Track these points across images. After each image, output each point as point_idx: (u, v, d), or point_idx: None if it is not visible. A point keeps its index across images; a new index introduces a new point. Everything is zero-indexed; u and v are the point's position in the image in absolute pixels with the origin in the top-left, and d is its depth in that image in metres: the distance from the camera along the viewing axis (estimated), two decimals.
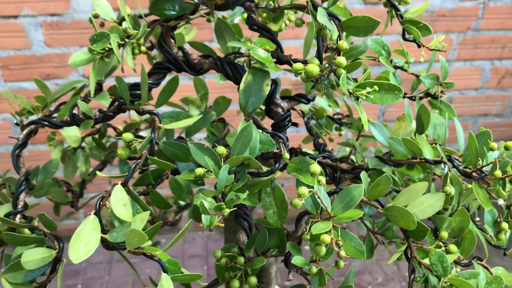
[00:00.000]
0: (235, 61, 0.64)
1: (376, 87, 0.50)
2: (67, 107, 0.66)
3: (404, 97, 0.74)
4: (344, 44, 0.51)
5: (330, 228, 0.49)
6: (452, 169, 0.62)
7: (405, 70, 0.75)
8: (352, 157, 0.78)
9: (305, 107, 0.83)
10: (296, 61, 0.59)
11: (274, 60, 0.61)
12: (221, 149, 0.54)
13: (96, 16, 0.71)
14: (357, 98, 0.50)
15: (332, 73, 0.51)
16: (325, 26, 0.51)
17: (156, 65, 0.63)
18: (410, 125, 0.74)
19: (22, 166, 0.64)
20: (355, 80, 0.55)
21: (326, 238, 0.48)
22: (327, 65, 0.52)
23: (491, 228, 0.74)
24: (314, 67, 0.50)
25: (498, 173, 0.57)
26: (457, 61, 1.77)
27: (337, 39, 0.53)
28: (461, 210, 0.64)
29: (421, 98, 0.75)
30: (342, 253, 0.48)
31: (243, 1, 0.60)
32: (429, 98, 0.74)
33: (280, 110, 0.64)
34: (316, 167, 0.50)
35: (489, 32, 1.73)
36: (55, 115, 0.73)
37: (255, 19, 0.61)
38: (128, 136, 0.56)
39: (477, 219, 0.77)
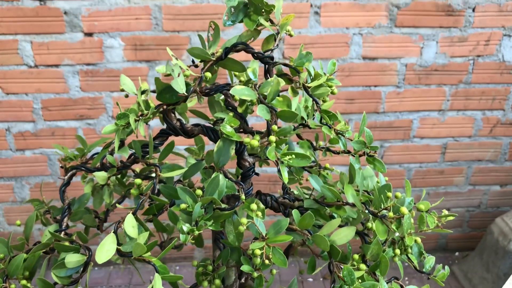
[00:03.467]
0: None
1: (293, 156, 0.83)
2: (99, 157, 1.01)
3: (349, 154, 1.07)
4: (275, 127, 0.85)
5: (263, 246, 0.82)
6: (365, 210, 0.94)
7: (343, 135, 1.06)
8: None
9: None
10: (258, 132, 0.93)
11: (241, 129, 0.95)
12: (198, 191, 0.88)
13: (122, 90, 1.07)
14: (282, 162, 0.83)
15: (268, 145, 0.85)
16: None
17: (161, 131, 0.98)
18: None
19: (66, 198, 0.98)
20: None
21: (257, 251, 0.81)
22: (266, 138, 0.86)
23: (416, 257, 1.05)
24: (255, 142, 0.85)
25: (391, 214, 0.90)
26: (450, 111, 2.07)
27: (272, 122, 0.87)
28: (375, 241, 0.96)
29: (360, 155, 1.07)
30: (267, 261, 0.81)
31: (221, 90, 0.94)
32: (366, 156, 1.07)
33: (247, 163, 0.98)
34: (254, 206, 0.83)
35: (479, 85, 2.04)
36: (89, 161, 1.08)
37: (230, 101, 0.96)
38: (138, 180, 0.91)
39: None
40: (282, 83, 0.86)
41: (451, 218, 1.08)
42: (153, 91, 1.03)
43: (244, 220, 0.81)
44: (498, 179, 2.24)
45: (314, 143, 1.10)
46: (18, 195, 2.10)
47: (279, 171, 0.85)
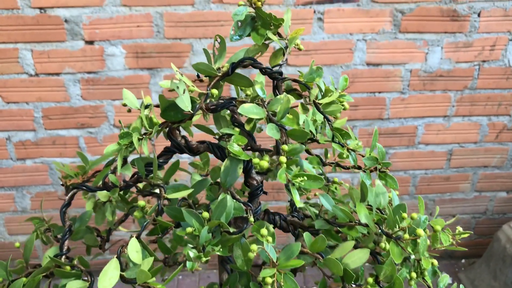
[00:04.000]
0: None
1: (305, 177, 0.78)
2: (101, 176, 0.96)
3: (359, 169, 1.02)
4: (286, 147, 0.79)
5: (274, 273, 0.77)
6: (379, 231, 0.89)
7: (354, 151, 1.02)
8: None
9: None
10: (266, 150, 0.88)
11: (249, 147, 0.90)
12: (205, 214, 0.83)
13: (124, 105, 1.01)
14: (293, 184, 0.78)
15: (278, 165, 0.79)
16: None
17: (165, 149, 0.93)
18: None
19: (67, 220, 0.93)
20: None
21: (269, 280, 0.76)
22: (275, 156, 0.81)
23: (430, 276, 1.00)
24: (264, 163, 0.79)
25: (406, 236, 0.84)
26: (455, 117, 2.02)
27: (283, 142, 0.82)
28: (389, 261, 0.90)
29: (371, 171, 1.02)
30: None
31: (227, 106, 0.89)
32: (378, 172, 1.02)
33: (254, 182, 0.92)
34: (264, 231, 0.78)
35: (485, 90, 1.99)
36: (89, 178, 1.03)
37: (237, 118, 0.90)
38: (141, 202, 0.85)
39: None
40: (293, 100, 0.81)
41: (466, 235, 1.03)
42: (157, 106, 0.98)
43: (254, 247, 0.76)
44: (505, 185, 2.19)
45: (323, 158, 1.05)
46: (19, 205, 2.05)
47: (289, 190, 0.80)
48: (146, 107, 0.98)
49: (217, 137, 1.07)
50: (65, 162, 1.98)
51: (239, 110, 0.81)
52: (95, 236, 1.05)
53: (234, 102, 0.91)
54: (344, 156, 0.90)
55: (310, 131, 0.92)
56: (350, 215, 0.88)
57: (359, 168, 1.00)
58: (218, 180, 1.08)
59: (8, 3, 1.72)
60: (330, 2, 1.82)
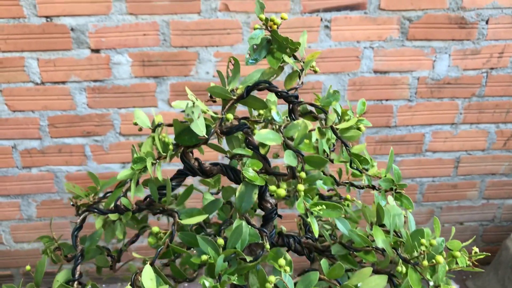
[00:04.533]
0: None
1: (324, 206, 0.76)
2: (112, 198, 0.94)
3: (374, 189, 1.00)
4: (303, 174, 0.77)
5: None
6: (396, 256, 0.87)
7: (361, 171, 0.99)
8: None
9: None
10: (282, 174, 0.86)
11: (263, 171, 0.88)
12: (220, 241, 0.81)
13: (135, 124, 0.99)
14: (311, 213, 0.76)
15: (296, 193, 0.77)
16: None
17: (178, 172, 0.91)
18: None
19: (79, 244, 0.91)
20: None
21: None
22: (293, 186, 0.78)
23: None
24: (282, 191, 0.77)
25: (425, 262, 0.82)
26: (463, 124, 2.00)
27: (300, 169, 0.79)
28: (405, 286, 0.88)
29: (386, 191, 1.00)
30: None
31: (242, 129, 0.87)
32: (393, 192, 0.99)
33: (268, 205, 0.90)
34: (282, 261, 0.76)
35: (493, 98, 1.96)
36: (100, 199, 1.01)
37: (251, 140, 0.88)
38: (155, 228, 0.83)
39: None
40: (310, 126, 0.79)
41: (481, 256, 1.02)
42: (169, 125, 0.95)
43: (272, 278, 0.74)
44: None
45: (337, 178, 1.03)
46: (25, 213, 2.03)
47: (305, 216, 0.78)
48: (158, 126, 0.96)
49: (228, 156, 1.05)
50: (70, 170, 1.96)
51: (255, 137, 0.79)
52: (105, 256, 1.03)
53: (248, 124, 0.88)
54: (365, 183, 0.88)
55: (324, 150, 0.90)
56: (367, 240, 0.86)
57: (373, 187, 0.98)
58: (230, 199, 1.06)
59: (14, 12, 1.70)
60: (337, 10, 1.80)
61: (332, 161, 0.97)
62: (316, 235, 0.75)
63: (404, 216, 0.99)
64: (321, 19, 1.80)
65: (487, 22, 1.85)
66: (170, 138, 0.99)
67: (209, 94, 0.94)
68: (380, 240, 0.88)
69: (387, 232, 0.94)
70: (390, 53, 1.87)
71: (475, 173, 2.11)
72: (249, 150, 0.89)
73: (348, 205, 1.12)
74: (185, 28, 1.77)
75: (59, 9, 1.70)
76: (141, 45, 1.79)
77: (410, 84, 1.92)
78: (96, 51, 1.78)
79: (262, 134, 0.79)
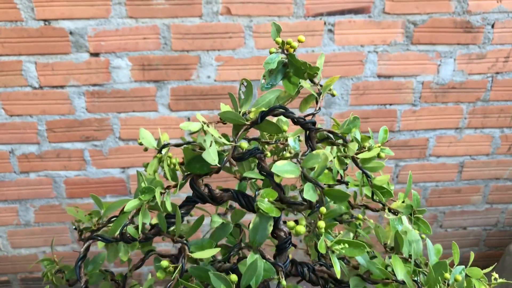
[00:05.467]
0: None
1: (346, 245, 0.70)
2: (117, 225, 0.88)
3: (390, 211, 0.94)
4: (324, 209, 0.71)
5: None
6: None
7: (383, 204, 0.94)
8: None
9: None
10: (299, 204, 0.80)
11: (278, 199, 0.82)
12: (233, 277, 0.75)
13: (141, 144, 0.93)
14: (332, 252, 0.71)
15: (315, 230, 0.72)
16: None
17: (187, 199, 0.85)
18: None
19: (83, 275, 0.85)
20: None
21: None
22: (312, 221, 0.73)
23: None
24: (301, 228, 0.71)
25: None
26: (467, 129, 1.95)
27: (320, 204, 0.74)
28: None
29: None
30: None
31: (255, 154, 0.81)
32: (412, 216, 0.94)
33: (282, 234, 0.85)
34: None
35: (498, 102, 1.91)
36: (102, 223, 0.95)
37: (264, 166, 0.83)
38: (164, 263, 0.78)
39: None
40: (330, 157, 0.73)
41: (501, 282, 0.97)
42: (176, 145, 0.90)
43: None
44: None
45: (352, 201, 0.97)
46: (23, 218, 1.97)
47: (325, 255, 0.73)
48: (164, 146, 0.90)
49: (238, 177, 0.99)
50: (69, 175, 1.89)
51: (273, 169, 0.73)
52: (109, 283, 0.97)
53: (260, 149, 0.83)
54: (389, 219, 0.82)
55: (338, 172, 0.85)
56: (387, 273, 0.81)
57: (390, 211, 0.93)
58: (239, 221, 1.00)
59: (11, 15, 1.63)
60: (341, 14, 1.74)
61: (347, 184, 0.91)
62: (338, 276, 0.70)
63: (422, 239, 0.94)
64: (325, 23, 1.74)
65: (493, 26, 1.79)
66: (177, 158, 0.93)
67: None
68: (400, 272, 0.83)
69: (404, 260, 0.89)
70: (395, 57, 1.81)
71: (479, 178, 2.07)
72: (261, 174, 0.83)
73: (359, 224, 1.07)
74: (186, 31, 1.70)
75: (58, 13, 1.63)
76: (141, 49, 1.72)
77: (414, 89, 1.87)
78: (95, 55, 1.72)
79: (279, 167, 0.73)
